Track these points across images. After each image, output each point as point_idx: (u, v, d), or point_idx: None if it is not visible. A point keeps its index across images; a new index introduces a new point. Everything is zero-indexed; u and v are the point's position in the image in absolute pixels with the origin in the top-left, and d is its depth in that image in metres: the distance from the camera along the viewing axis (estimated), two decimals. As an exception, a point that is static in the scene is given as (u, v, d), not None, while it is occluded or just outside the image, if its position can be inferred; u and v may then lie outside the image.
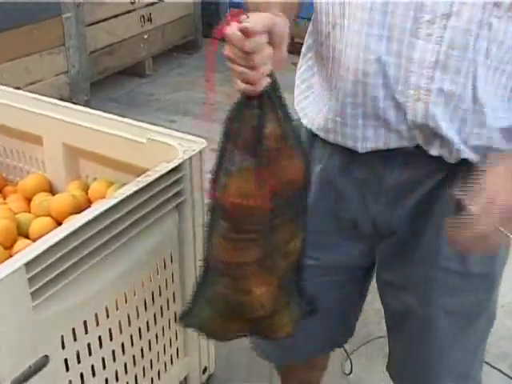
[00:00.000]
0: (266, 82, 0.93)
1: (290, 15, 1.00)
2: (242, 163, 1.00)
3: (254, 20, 0.87)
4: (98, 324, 1.35)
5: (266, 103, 0.98)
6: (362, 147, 1.04)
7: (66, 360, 1.30)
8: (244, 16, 0.90)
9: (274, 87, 0.98)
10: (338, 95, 1.03)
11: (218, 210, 1.06)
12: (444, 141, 0.99)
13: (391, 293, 1.19)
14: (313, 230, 1.14)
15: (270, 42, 0.90)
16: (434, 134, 0.99)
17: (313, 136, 1.12)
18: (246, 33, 0.88)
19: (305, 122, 1.13)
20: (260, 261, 1.07)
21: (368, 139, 1.04)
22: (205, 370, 1.85)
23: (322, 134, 1.09)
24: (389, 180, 1.06)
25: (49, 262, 1.17)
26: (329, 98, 1.07)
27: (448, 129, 0.98)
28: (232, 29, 0.87)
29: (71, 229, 1.21)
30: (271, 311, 1.13)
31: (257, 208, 1.02)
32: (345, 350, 1.80)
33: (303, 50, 1.18)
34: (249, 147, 1.00)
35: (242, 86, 0.92)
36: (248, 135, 0.99)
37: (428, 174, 1.05)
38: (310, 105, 1.13)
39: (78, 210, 1.58)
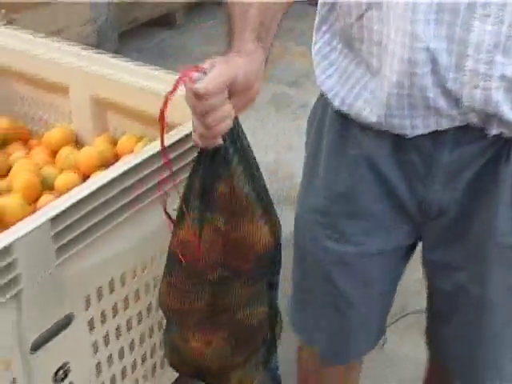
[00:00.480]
0: (218, 142, 0.95)
1: (275, 18, 0.99)
2: (193, 211, 1.02)
3: (209, 80, 0.87)
4: (124, 284, 1.35)
5: (220, 161, 0.98)
6: (410, 133, 1.01)
7: (90, 320, 1.31)
8: (197, 74, 0.88)
9: (233, 143, 0.97)
10: (382, 85, 0.99)
11: (170, 252, 1.10)
12: (503, 122, 0.96)
13: (441, 273, 1.17)
14: (357, 215, 1.12)
15: (234, 92, 0.91)
16: (492, 116, 0.96)
17: (347, 118, 1.08)
18: (197, 95, 0.87)
19: (336, 103, 1.08)
20: (203, 314, 1.09)
21: (417, 127, 1.00)
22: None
23: (363, 122, 1.06)
24: (439, 160, 1.03)
25: (75, 218, 1.17)
26: (365, 81, 1.03)
27: (510, 111, 0.94)
28: (187, 85, 0.88)
29: (98, 184, 1.21)
30: (216, 368, 1.15)
31: (199, 260, 1.04)
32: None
33: (316, 23, 1.13)
34: (200, 199, 1.01)
35: (196, 139, 0.94)
36: (199, 188, 1.01)
37: (481, 150, 1.01)
38: (336, 84, 1.08)
39: (105, 164, 1.57)
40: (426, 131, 1.00)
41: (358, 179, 1.10)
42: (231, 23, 0.98)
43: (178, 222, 1.07)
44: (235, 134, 0.97)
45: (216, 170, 0.99)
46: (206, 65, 0.91)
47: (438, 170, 1.04)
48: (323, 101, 1.14)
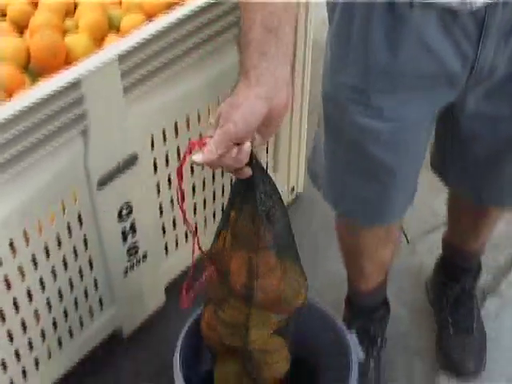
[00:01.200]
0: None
1: (284, 18, 0.90)
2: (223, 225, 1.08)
3: (206, 152, 0.87)
4: (188, 128, 1.38)
5: (240, 196, 1.02)
6: (469, 10, 0.98)
7: (154, 161, 1.35)
8: (197, 146, 0.89)
9: (253, 185, 0.99)
10: None
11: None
12: None
13: (486, 123, 1.20)
14: (396, 89, 1.11)
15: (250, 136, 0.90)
16: None
17: None
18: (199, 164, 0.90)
19: None
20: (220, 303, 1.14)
21: (477, 6, 0.97)
22: (292, 189, 1.90)
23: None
24: (491, 21, 1.01)
25: (142, 56, 1.18)
26: None
27: None
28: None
29: (166, 24, 1.21)
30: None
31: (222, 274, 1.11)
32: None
33: None
34: (225, 215, 1.07)
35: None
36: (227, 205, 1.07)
37: None
38: None
39: (172, 6, 1.55)
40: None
41: (404, 53, 1.07)
42: (240, 39, 0.93)
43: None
44: (256, 181, 0.99)
45: (234, 198, 1.04)
46: (212, 119, 0.91)
47: (490, 31, 1.02)
48: None
